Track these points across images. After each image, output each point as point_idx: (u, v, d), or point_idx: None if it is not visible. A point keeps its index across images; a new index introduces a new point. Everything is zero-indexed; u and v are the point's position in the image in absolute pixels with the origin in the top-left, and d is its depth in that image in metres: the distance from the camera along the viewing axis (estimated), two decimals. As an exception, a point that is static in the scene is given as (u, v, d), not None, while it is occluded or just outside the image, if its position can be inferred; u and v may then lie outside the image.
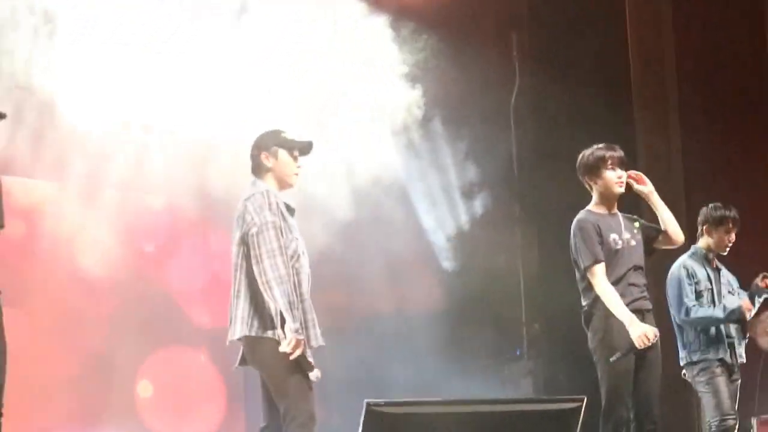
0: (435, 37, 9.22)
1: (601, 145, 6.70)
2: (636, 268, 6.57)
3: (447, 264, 9.66)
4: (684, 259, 7.36)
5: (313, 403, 5.64)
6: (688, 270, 7.31)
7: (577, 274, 6.68)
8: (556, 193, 7.75)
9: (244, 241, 5.75)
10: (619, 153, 6.65)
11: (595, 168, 6.64)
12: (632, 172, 6.87)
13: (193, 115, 8.85)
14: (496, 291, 9.57)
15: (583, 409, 5.90)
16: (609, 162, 6.60)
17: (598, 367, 6.49)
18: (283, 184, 5.95)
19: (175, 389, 9.36)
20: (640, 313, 6.40)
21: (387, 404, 5.50)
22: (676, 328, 7.41)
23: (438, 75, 9.19)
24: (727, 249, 7.40)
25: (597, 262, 6.50)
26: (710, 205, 7.48)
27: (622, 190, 6.62)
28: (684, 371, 7.41)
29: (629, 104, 10.16)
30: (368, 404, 5.43)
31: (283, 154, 5.94)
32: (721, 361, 7.31)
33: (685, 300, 7.25)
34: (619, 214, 6.72)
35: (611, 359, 6.43)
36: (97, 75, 8.44)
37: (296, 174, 5.98)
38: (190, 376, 9.50)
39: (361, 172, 9.18)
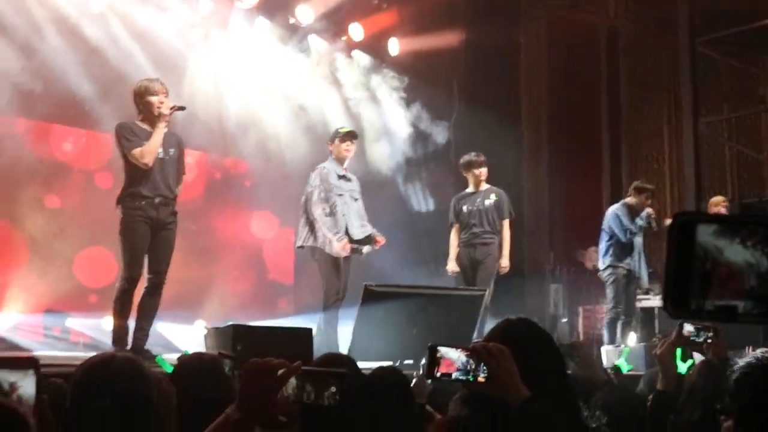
0: (410, 77, 9.03)
1: (472, 153, 6.93)
2: (481, 222, 6.79)
3: (406, 202, 9.24)
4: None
5: (340, 280, 5.92)
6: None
7: None
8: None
9: (307, 193, 6.00)
10: (481, 158, 6.87)
11: (466, 167, 6.91)
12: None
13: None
14: (437, 221, 8.77)
15: (485, 296, 6.11)
16: (476, 164, 6.86)
17: None
18: (340, 159, 6.13)
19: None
20: (473, 246, 6.80)
21: (377, 286, 5.63)
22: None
23: (411, 96, 9.04)
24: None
25: (451, 223, 6.97)
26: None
27: (482, 179, 6.85)
28: None
29: (520, 127, 9.97)
30: (366, 285, 5.57)
31: (337, 142, 6.12)
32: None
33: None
34: (483, 191, 6.87)
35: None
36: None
37: (347, 151, 6.12)
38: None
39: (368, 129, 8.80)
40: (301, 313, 7.12)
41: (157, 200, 4.94)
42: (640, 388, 3.26)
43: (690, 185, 9.57)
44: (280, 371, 1.62)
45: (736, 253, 0.76)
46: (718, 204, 7.60)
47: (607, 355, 7.10)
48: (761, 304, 0.76)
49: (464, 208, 6.87)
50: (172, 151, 5.07)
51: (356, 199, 6.15)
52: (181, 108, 5.06)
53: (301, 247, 6.10)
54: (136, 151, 4.89)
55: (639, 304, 8.11)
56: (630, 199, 7.38)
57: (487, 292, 6.32)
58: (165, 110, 4.92)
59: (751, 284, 0.76)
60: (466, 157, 6.92)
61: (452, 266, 6.91)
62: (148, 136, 4.93)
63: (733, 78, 9.89)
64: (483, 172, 6.84)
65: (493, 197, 6.89)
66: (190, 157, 6.82)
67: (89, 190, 7.32)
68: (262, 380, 1.61)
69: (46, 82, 6.72)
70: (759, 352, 1.56)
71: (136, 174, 4.95)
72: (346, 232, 5.94)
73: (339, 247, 5.86)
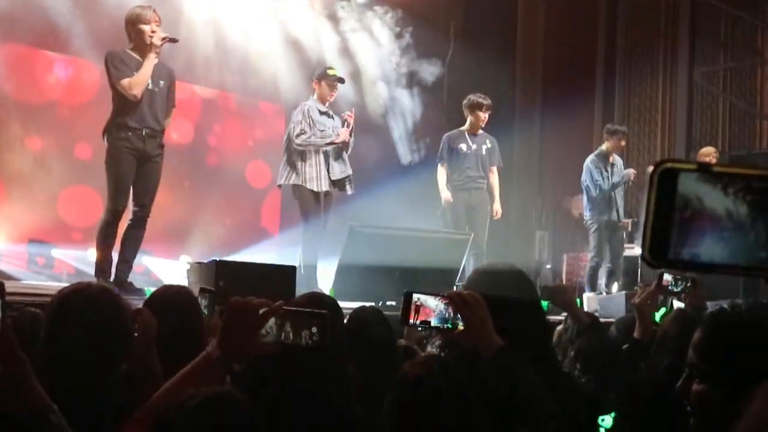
0: (406, 15, 8.88)
1: (480, 95, 6.81)
2: (476, 166, 6.73)
3: (395, 142, 9.15)
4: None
5: (320, 218, 5.89)
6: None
7: None
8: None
9: (289, 130, 5.97)
10: (488, 102, 6.76)
11: (473, 107, 6.74)
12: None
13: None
14: (426, 162, 8.72)
15: (470, 240, 6.11)
16: (484, 107, 6.71)
17: None
18: (323, 100, 6.05)
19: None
20: (468, 190, 6.71)
21: (362, 226, 5.74)
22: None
23: (406, 35, 8.88)
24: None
25: (441, 161, 6.79)
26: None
27: (482, 124, 6.71)
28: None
29: (514, 70, 9.97)
30: (351, 226, 5.65)
31: (323, 84, 6.03)
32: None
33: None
34: (479, 135, 6.77)
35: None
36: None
37: (332, 95, 6.05)
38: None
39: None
40: (285, 251, 7.08)
41: (144, 132, 4.86)
42: (611, 333, 3.30)
43: (681, 135, 9.55)
44: (262, 310, 1.62)
45: (716, 201, 0.74)
46: (708, 155, 7.57)
47: (588, 302, 7.18)
48: (738, 254, 0.74)
49: (461, 147, 6.74)
50: (162, 83, 4.97)
51: (333, 133, 6.07)
52: (173, 40, 4.94)
53: (280, 186, 6.07)
54: (125, 81, 4.79)
55: (623, 253, 8.00)
56: (604, 145, 7.34)
57: (474, 237, 6.29)
58: (156, 41, 4.80)
59: (729, 234, 0.74)
60: (473, 98, 6.79)
61: (447, 194, 6.73)
62: (138, 65, 4.83)
63: (732, 28, 9.78)
64: (487, 116, 6.78)
65: (488, 143, 6.87)
66: (190, 93, 6.66)
67: (72, 126, 7.21)
68: (243, 319, 1.61)
69: (26, 5, 6.53)
70: (728, 301, 1.45)
71: (123, 105, 4.84)
72: (328, 171, 5.91)
73: (343, 135, 5.86)
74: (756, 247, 0.74)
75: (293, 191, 5.99)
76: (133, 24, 4.89)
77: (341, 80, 6.13)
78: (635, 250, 8.09)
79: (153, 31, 4.84)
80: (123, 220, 4.96)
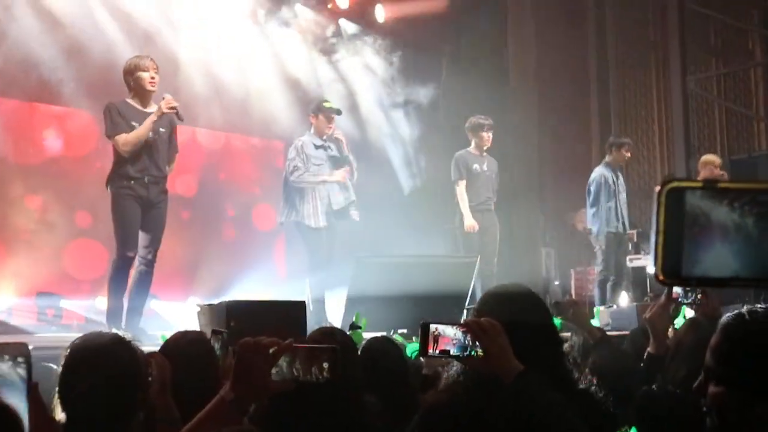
0: (404, 46, 9.01)
1: (480, 116, 6.89)
2: (487, 186, 6.78)
3: (395, 169, 9.10)
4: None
5: (323, 251, 5.90)
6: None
7: None
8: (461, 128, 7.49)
9: (286, 169, 6.01)
10: (489, 122, 6.84)
11: (475, 129, 6.83)
12: None
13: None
14: (427, 187, 8.93)
15: (477, 263, 6.07)
16: (486, 127, 6.80)
17: None
18: (321, 133, 6.07)
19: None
20: (481, 212, 6.75)
21: (368, 257, 5.75)
22: None
23: (398, 62, 8.96)
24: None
25: (460, 179, 6.76)
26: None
27: (486, 144, 6.80)
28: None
29: (508, 91, 9.89)
30: (358, 257, 5.62)
31: (321, 117, 6.04)
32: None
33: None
34: (484, 156, 6.86)
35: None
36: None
37: (330, 127, 6.05)
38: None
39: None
40: (292, 286, 7.12)
41: (146, 179, 4.92)
42: (624, 347, 3.28)
43: (679, 143, 9.57)
44: (272, 349, 1.62)
45: (724, 216, 0.75)
46: (716, 165, 7.48)
47: (599, 315, 7.19)
48: (750, 267, 0.75)
49: (475, 168, 6.83)
50: (162, 130, 5.03)
51: (328, 168, 6.10)
52: (179, 117, 4.99)
53: (282, 223, 6.09)
54: (120, 137, 4.90)
55: (630, 264, 8.06)
56: (608, 157, 7.40)
57: (485, 258, 6.31)
58: (165, 107, 4.88)
59: (739, 247, 0.75)
60: (474, 120, 6.91)
61: (472, 221, 6.68)
62: (137, 114, 4.91)
63: (722, 33, 9.83)
64: (490, 136, 6.85)
65: (495, 166, 6.95)
66: (191, 136, 6.67)
67: (73, 180, 7.19)
68: (254, 360, 1.61)
69: (19, 61, 6.55)
70: (746, 307, 1.45)
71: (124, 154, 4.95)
72: (329, 202, 5.92)
73: (339, 176, 5.89)
74: (766, 259, 0.75)
75: (295, 228, 6.05)
76: (132, 73, 4.98)
77: (338, 112, 6.17)
78: (642, 260, 8.08)
79: (152, 77, 4.95)
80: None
